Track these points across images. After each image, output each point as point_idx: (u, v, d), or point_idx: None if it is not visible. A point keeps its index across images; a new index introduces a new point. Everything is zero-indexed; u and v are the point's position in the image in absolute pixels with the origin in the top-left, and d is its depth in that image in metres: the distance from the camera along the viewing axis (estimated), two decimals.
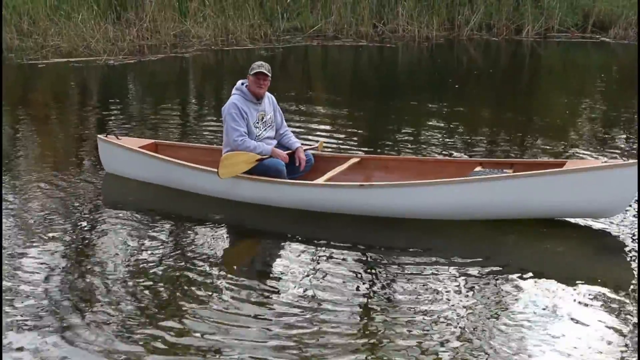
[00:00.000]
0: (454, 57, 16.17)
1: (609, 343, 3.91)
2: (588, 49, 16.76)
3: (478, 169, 5.99)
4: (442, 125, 9.46)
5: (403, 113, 9.90)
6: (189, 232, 5.64)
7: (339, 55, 16.30)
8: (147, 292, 4.56)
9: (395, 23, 17.91)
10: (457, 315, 4.21)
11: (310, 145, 6.77)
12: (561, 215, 5.59)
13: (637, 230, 5.48)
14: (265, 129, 6.26)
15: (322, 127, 9.14)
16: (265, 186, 5.98)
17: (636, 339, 3.94)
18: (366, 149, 7.91)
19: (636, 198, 5.77)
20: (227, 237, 5.66)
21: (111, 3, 16.69)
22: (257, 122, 6.19)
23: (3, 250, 5.12)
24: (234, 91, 6.20)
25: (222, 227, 5.78)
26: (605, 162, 5.38)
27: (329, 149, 7.63)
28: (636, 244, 5.24)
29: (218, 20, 16.84)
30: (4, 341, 3.92)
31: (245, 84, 6.20)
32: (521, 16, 18.18)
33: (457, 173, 6.01)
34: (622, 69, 14.77)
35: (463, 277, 4.72)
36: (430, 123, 9.48)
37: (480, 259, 5.00)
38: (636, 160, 5.24)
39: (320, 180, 5.99)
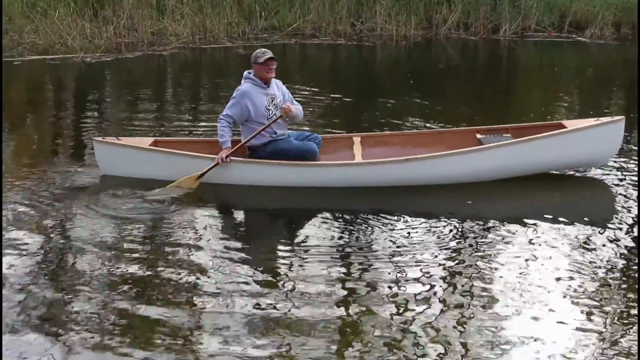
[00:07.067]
0: (432, 56, 16.24)
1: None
2: (565, 48, 16.90)
3: (478, 135, 6.66)
4: (425, 110, 9.83)
5: (384, 103, 10.10)
6: (222, 220, 5.99)
7: (317, 53, 16.30)
8: (147, 284, 4.61)
9: (373, 22, 17.93)
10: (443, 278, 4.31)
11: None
12: (561, 168, 6.56)
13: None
14: (277, 110, 6.59)
15: (307, 115, 9.19)
16: (311, 170, 6.37)
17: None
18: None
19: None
20: (255, 222, 6.11)
21: (88, 0, 16.53)
22: (269, 105, 6.54)
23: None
24: (243, 80, 6.64)
25: (250, 212, 6.25)
26: (597, 119, 6.39)
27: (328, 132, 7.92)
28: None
29: (196, 18, 16.75)
30: None
31: (252, 73, 6.62)
32: (498, 15, 18.27)
33: (458, 142, 6.68)
34: (599, 68, 14.90)
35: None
36: (411, 113, 9.71)
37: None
38: (622, 117, 6.37)
39: (359, 159, 6.52)
